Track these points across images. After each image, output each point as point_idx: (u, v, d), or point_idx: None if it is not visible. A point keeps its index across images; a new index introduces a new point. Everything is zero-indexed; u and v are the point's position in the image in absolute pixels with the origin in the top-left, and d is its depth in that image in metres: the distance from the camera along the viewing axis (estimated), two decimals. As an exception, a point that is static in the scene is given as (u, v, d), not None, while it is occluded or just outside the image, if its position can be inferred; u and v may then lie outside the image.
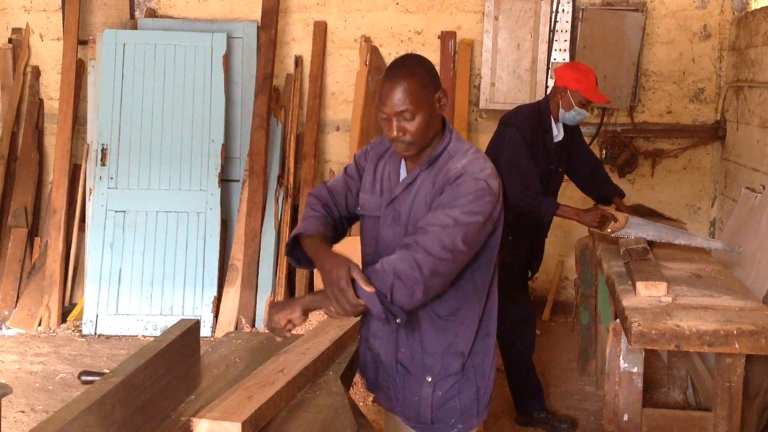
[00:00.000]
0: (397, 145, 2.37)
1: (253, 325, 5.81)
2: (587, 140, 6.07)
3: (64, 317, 5.94)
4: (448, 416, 2.46)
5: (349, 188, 2.60)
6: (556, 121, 4.24)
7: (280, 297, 5.85)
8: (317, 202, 2.59)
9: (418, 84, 2.32)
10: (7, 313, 5.95)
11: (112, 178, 5.91)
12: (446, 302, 2.40)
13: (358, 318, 2.63)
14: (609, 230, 4.18)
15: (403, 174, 2.47)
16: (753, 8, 5.72)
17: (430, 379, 2.43)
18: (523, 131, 4.14)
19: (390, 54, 6.23)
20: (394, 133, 2.33)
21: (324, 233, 2.49)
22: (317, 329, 2.88)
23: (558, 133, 4.26)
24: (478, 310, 2.43)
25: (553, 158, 4.27)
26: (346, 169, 2.65)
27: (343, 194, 2.60)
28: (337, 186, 2.63)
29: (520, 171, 4.08)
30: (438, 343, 2.42)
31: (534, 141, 4.17)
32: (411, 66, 2.36)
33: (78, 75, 6.22)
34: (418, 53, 2.52)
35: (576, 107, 4.16)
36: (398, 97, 2.30)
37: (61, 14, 6.38)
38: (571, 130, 4.37)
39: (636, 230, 4.15)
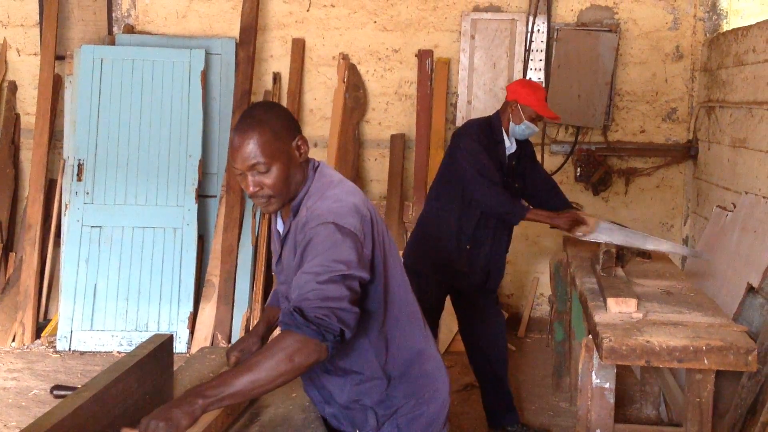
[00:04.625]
0: (257, 201, 2.20)
1: (229, 341, 5.79)
2: (561, 159, 6.16)
3: (38, 333, 5.89)
4: None
5: None
6: (507, 134, 4.29)
7: (256, 312, 5.85)
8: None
9: (268, 133, 2.14)
10: (-20, 328, 5.90)
11: (88, 194, 5.88)
12: (339, 357, 2.25)
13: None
14: (580, 233, 4.24)
15: (282, 229, 2.34)
16: (725, 30, 5.82)
17: None
18: (477, 139, 4.20)
19: (368, 71, 6.28)
20: (251, 188, 2.16)
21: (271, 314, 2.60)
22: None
23: (510, 145, 4.31)
24: (377, 359, 2.26)
25: (508, 171, 4.32)
26: None
27: None
28: None
29: (485, 172, 4.12)
30: (345, 397, 2.30)
31: (488, 151, 4.21)
32: (259, 115, 2.18)
33: (55, 90, 6.20)
34: (269, 100, 2.32)
35: (526, 121, 4.21)
36: (248, 149, 2.12)
37: (38, 29, 6.36)
38: (525, 146, 4.41)
39: (605, 234, 4.21)
